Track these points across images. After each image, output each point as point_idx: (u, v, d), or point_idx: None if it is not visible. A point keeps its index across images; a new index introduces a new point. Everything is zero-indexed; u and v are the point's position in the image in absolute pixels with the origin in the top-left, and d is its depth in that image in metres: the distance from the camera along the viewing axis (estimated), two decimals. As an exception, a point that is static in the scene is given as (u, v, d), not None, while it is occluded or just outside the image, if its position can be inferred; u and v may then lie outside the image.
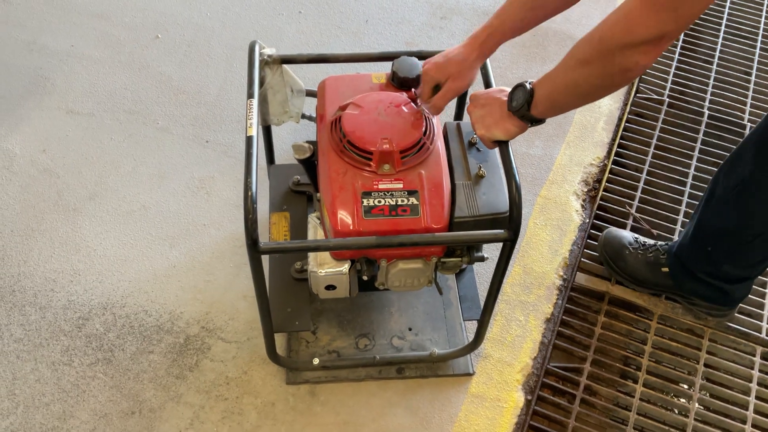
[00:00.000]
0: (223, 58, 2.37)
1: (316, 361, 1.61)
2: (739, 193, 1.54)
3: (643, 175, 2.13)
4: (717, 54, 2.51)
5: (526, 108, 1.23)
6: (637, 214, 2.03)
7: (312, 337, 1.69)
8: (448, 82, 1.37)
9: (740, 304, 1.81)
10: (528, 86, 1.23)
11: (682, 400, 1.70)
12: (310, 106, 1.63)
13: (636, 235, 1.87)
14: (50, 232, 1.89)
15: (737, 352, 1.78)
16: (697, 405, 1.68)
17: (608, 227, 1.94)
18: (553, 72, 1.18)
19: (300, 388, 1.64)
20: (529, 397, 1.67)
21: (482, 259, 1.46)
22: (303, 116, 1.67)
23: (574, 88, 1.16)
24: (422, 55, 1.54)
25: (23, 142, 2.09)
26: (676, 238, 1.98)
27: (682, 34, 2.57)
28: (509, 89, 1.29)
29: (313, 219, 1.51)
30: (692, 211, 2.03)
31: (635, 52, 1.03)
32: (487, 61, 1.49)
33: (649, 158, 2.17)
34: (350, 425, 1.60)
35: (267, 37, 2.44)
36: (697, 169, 2.15)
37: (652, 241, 1.84)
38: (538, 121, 1.26)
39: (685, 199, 2.08)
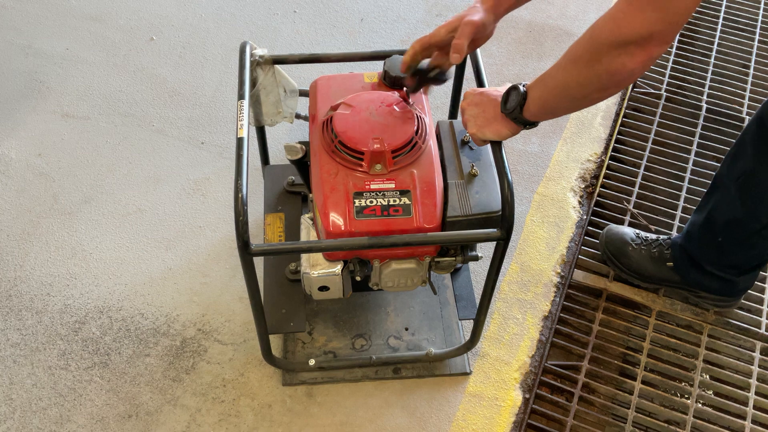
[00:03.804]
0: (219, 59, 2.37)
1: (312, 362, 1.61)
2: (742, 183, 1.54)
3: (641, 171, 2.11)
4: (715, 47, 2.49)
5: (519, 111, 1.22)
6: (635, 210, 2.01)
7: (308, 338, 1.68)
8: (463, 20, 1.27)
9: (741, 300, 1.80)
10: (522, 89, 1.21)
11: (682, 396, 1.69)
12: (304, 105, 1.63)
13: (637, 231, 1.85)
14: (46, 236, 1.89)
15: (737, 347, 1.77)
16: (696, 401, 1.67)
17: (606, 224, 1.93)
18: (546, 73, 1.17)
19: (297, 390, 1.64)
20: (527, 396, 1.66)
21: (476, 258, 1.45)
22: (297, 116, 1.67)
23: (564, 90, 1.14)
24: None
25: (19, 146, 2.09)
26: (674, 232, 1.96)
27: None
28: (503, 89, 1.28)
29: (305, 220, 1.50)
30: (690, 206, 2.02)
31: (622, 53, 1.01)
32: (479, 59, 1.48)
33: (646, 153, 2.16)
34: (347, 426, 1.59)
35: (262, 37, 2.44)
36: (695, 163, 2.13)
37: (654, 236, 1.83)
38: (531, 124, 1.25)
39: (683, 193, 2.06)
